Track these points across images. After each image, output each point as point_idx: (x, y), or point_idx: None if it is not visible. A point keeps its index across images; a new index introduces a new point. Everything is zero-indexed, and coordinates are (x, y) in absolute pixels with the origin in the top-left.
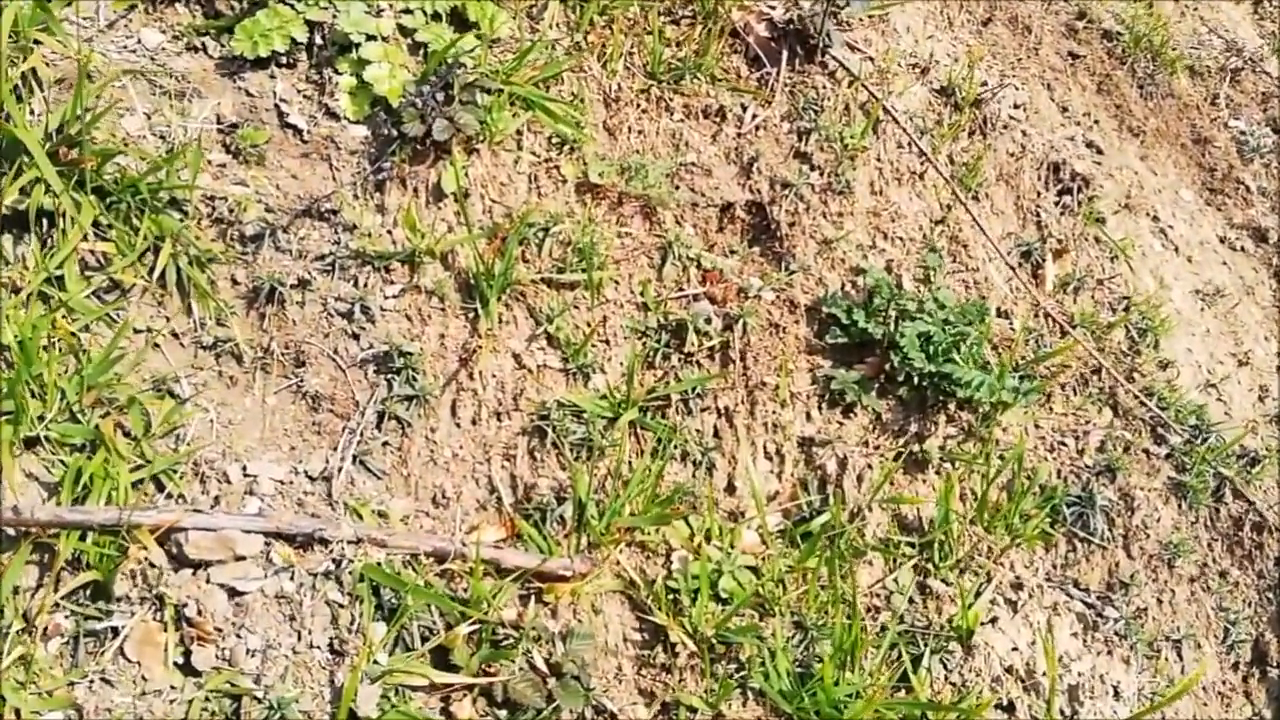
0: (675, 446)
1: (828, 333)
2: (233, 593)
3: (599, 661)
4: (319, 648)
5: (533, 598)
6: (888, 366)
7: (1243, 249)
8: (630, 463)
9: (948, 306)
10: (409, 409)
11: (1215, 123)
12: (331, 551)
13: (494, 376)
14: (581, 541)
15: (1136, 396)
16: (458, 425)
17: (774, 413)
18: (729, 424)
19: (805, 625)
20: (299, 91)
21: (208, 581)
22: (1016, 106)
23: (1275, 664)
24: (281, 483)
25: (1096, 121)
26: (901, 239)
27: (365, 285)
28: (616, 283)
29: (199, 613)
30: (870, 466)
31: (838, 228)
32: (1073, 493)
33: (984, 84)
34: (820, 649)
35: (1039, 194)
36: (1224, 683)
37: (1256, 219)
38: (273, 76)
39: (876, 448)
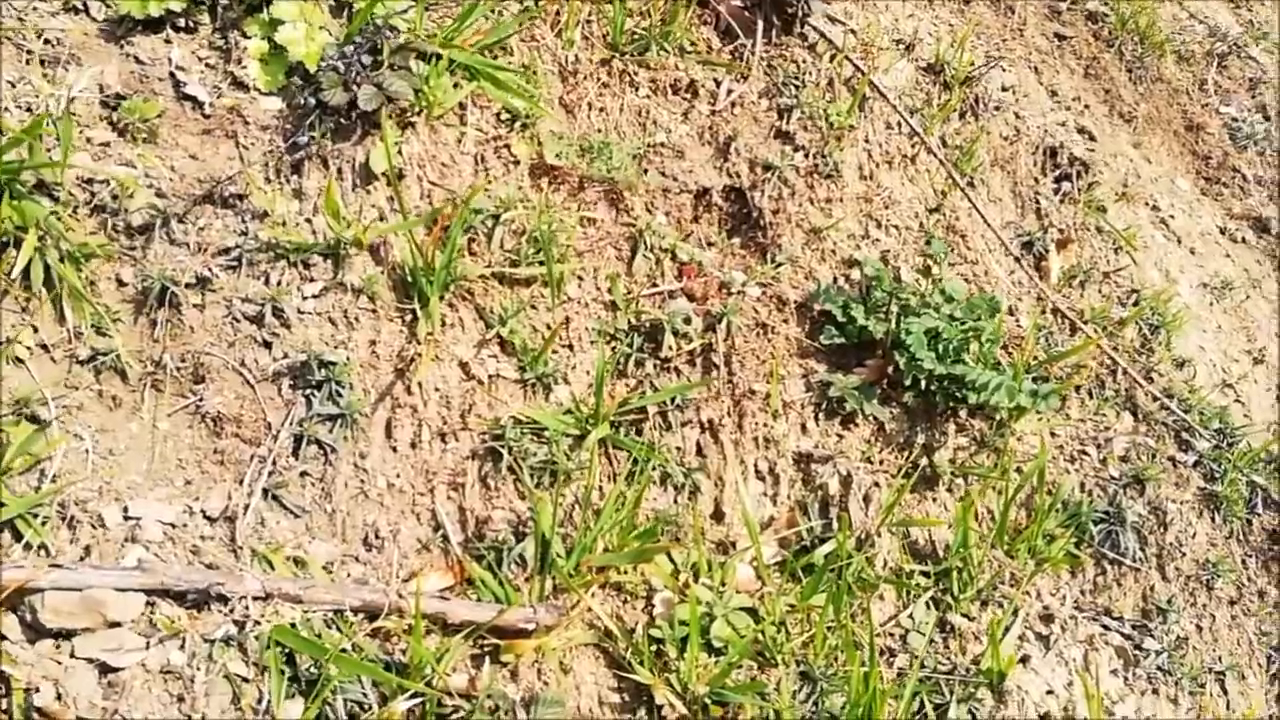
0: (653, 467)
1: (822, 332)
2: (104, 669)
3: None
4: None
5: (487, 658)
6: (891, 370)
7: (1244, 240)
8: (601, 489)
9: (955, 300)
10: (333, 431)
11: (1206, 109)
12: (233, 611)
13: (437, 390)
14: (546, 586)
15: (1157, 398)
16: (393, 449)
17: (765, 425)
18: (714, 439)
19: (813, 676)
20: (199, 58)
21: (71, 656)
22: (1005, 89)
23: None
24: (172, 526)
25: (1087, 106)
26: (897, 228)
27: (279, 283)
28: (580, 278)
29: (57, 698)
30: (877, 485)
31: (826, 215)
32: (1099, 508)
33: (972, 64)
34: (832, 704)
35: (1036, 180)
36: (1271, 717)
37: (1255, 209)
38: (168, 41)
39: (882, 463)
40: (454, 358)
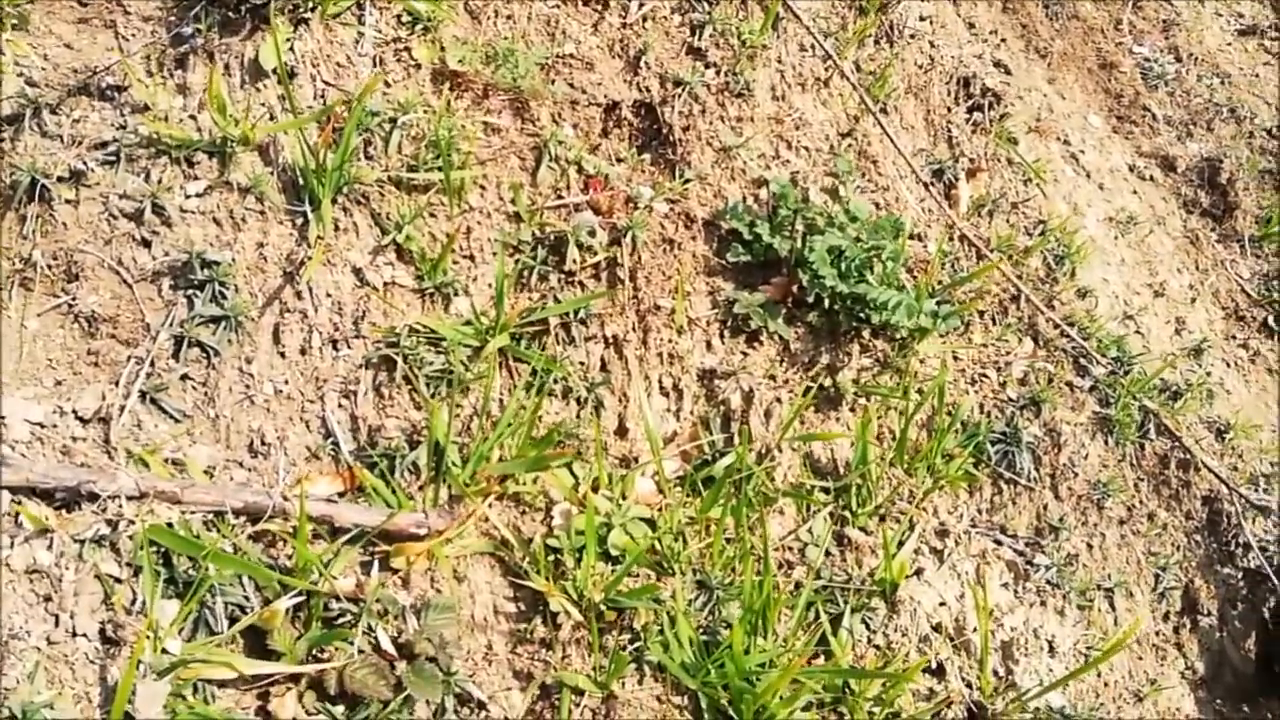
0: (555, 380)
1: (729, 250)
2: None
3: (463, 639)
4: (85, 635)
5: (377, 564)
6: (795, 288)
7: (1151, 178)
8: (501, 400)
9: (860, 220)
10: (217, 334)
11: (1120, 48)
12: (105, 510)
13: (329, 295)
14: (441, 494)
15: (1057, 325)
16: (282, 355)
17: (670, 341)
18: (618, 354)
19: (710, 585)
20: None
21: None
22: (923, 19)
23: (1206, 612)
24: (40, 425)
25: (1003, 40)
26: (807, 149)
27: (159, 181)
28: (482, 187)
29: None
30: (779, 401)
31: (737, 134)
32: (996, 429)
33: None
34: (728, 612)
35: (949, 110)
36: (1157, 634)
37: (1164, 148)
38: None
39: (785, 381)
40: (347, 263)
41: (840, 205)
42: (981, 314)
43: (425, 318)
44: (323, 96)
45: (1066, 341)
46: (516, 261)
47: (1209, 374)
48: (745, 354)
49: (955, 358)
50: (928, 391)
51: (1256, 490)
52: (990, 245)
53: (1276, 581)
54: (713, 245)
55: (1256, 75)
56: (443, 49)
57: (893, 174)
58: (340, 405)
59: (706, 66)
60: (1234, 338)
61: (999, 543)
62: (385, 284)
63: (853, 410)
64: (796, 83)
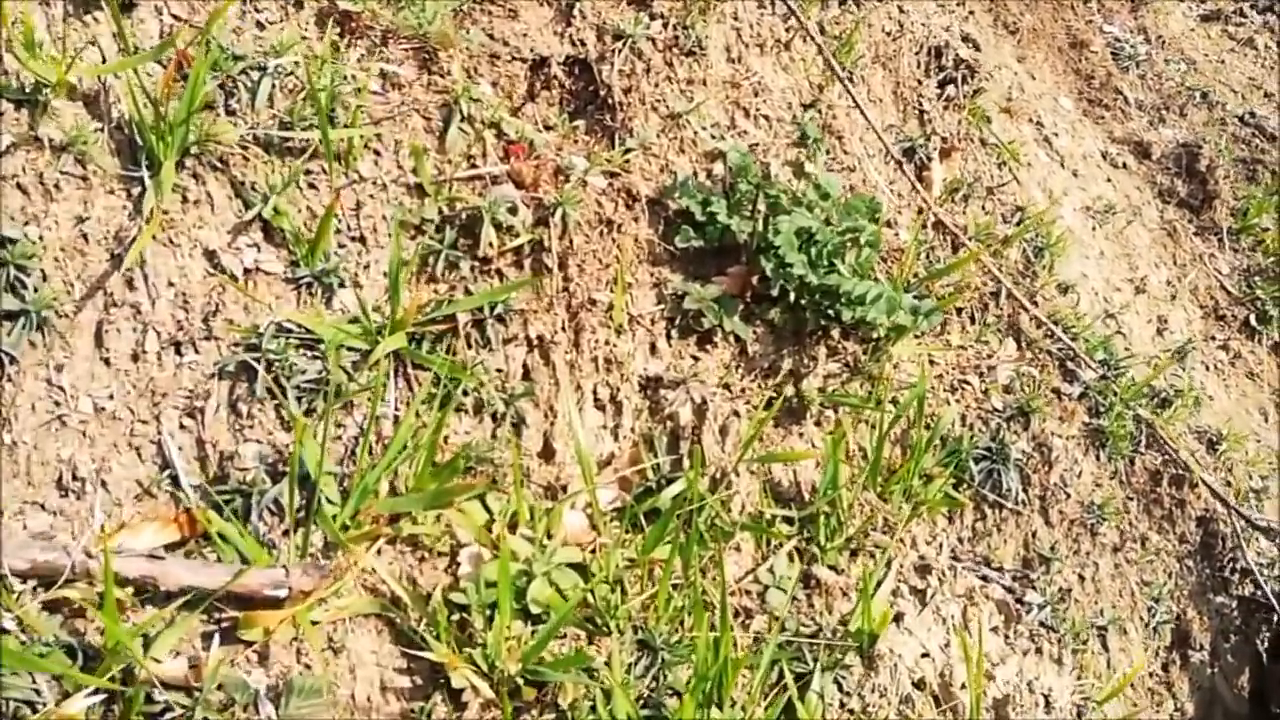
0: (464, 392)
1: (678, 233)
2: None
3: None
4: None
5: (219, 637)
6: (756, 280)
7: (1125, 165)
8: (395, 416)
9: (831, 197)
10: (13, 334)
11: (1090, 26)
12: None
13: (171, 285)
14: (312, 540)
15: (1041, 324)
16: (106, 362)
17: (607, 344)
18: (544, 359)
19: (653, 645)
20: None
21: None
22: None
23: (1198, 646)
24: None
25: (972, 12)
26: (767, 119)
27: None
28: (376, 152)
29: None
30: (736, 414)
31: (687, 99)
32: (980, 444)
33: None
34: (675, 677)
35: (920, 83)
36: (1150, 675)
37: (1137, 133)
38: None
39: (743, 390)
40: (197, 244)
41: (808, 182)
42: (959, 311)
43: (299, 314)
44: (169, 33)
45: (1052, 342)
46: (418, 244)
47: (1194, 379)
48: (696, 358)
49: (932, 361)
50: (904, 403)
51: (1249, 507)
52: (967, 233)
53: (1279, 606)
54: (658, 228)
55: (1222, 62)
56: None
57: (860, 152)
58: (182, 426)
59: (652, 18)
60: (1213, 338)
61: (985, 579)
62: (247, 270)
63: (819, 424)
64: (754, 43)
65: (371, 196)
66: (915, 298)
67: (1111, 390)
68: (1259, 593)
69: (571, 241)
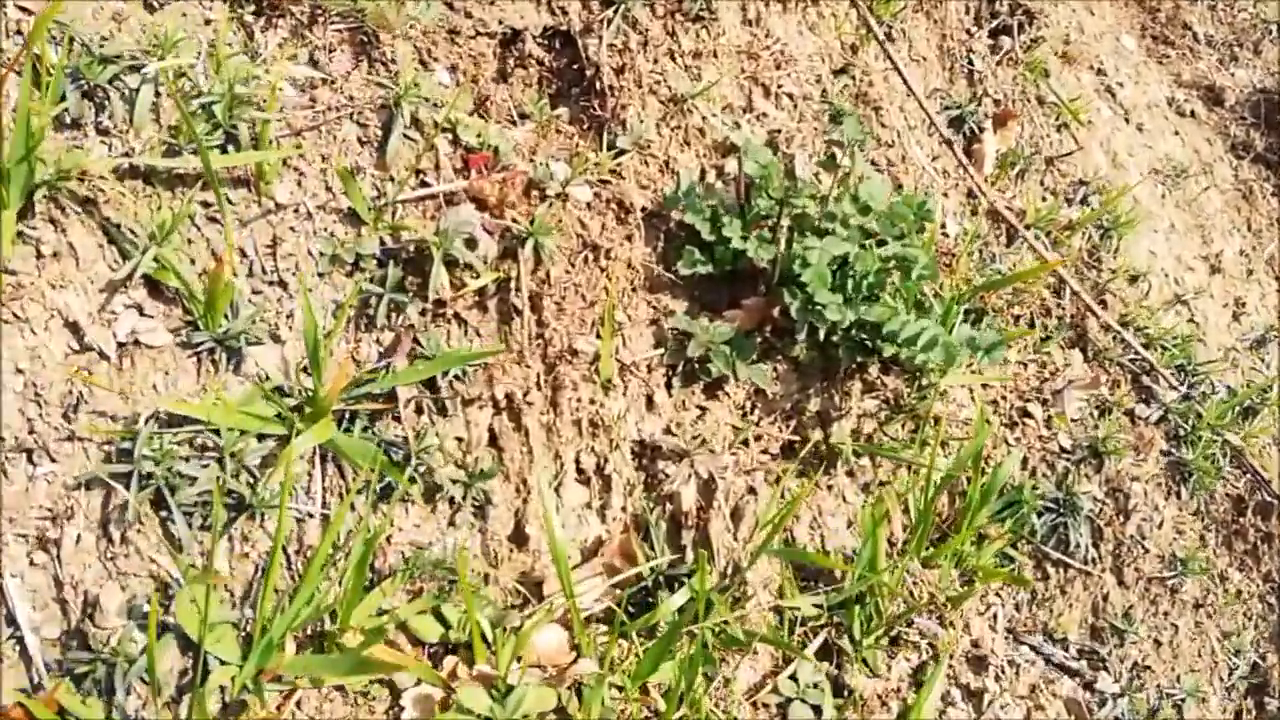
0: (413, 478)
1: (681, 257)
2: None
3: None
4: None
5: None
6: (777, 311)
7: (1193, 114)
8: (324, 515)
9: (874, 208)
10: None
11: None
12: None
13: (20, 372)
14: (205, 713)
15: (1109, 329)
16: None
17: (592, 402)
18: (515, 423)
19: None
20: None
21: None
22: None
23: (1276, 694)
24: None
25: None
26: (791, 97)
27: None
28: (299, 172)
29: None
30: (752, 490)
31: (693, 76)
32: (1044, 492)
33: None
34: None
35: (969, 34)
36: None
37: (1206, 75)
38: None
39: (759, 438)
40: (55, 313)
41: (843, 187)
42: (1017, 318)
43: (187, 404)
44: (19, 28)
45: (1123, 350)
46: (354, 286)
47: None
48: (703, 409)
49: (985, 386)
50: (957, 461)
51: None
52: (1025, 219)
53: None
54: (656, 245)
55: None
56: None
57: (899, 125)
58: (33, 563)
59: None
60: None
61: (1049, 659)
62: (123, 345)
63: (851, 474)
64: None
65: (292, 229)
66: (971, 321)
67: (1194, 412)
68: None
69: (548, 274)
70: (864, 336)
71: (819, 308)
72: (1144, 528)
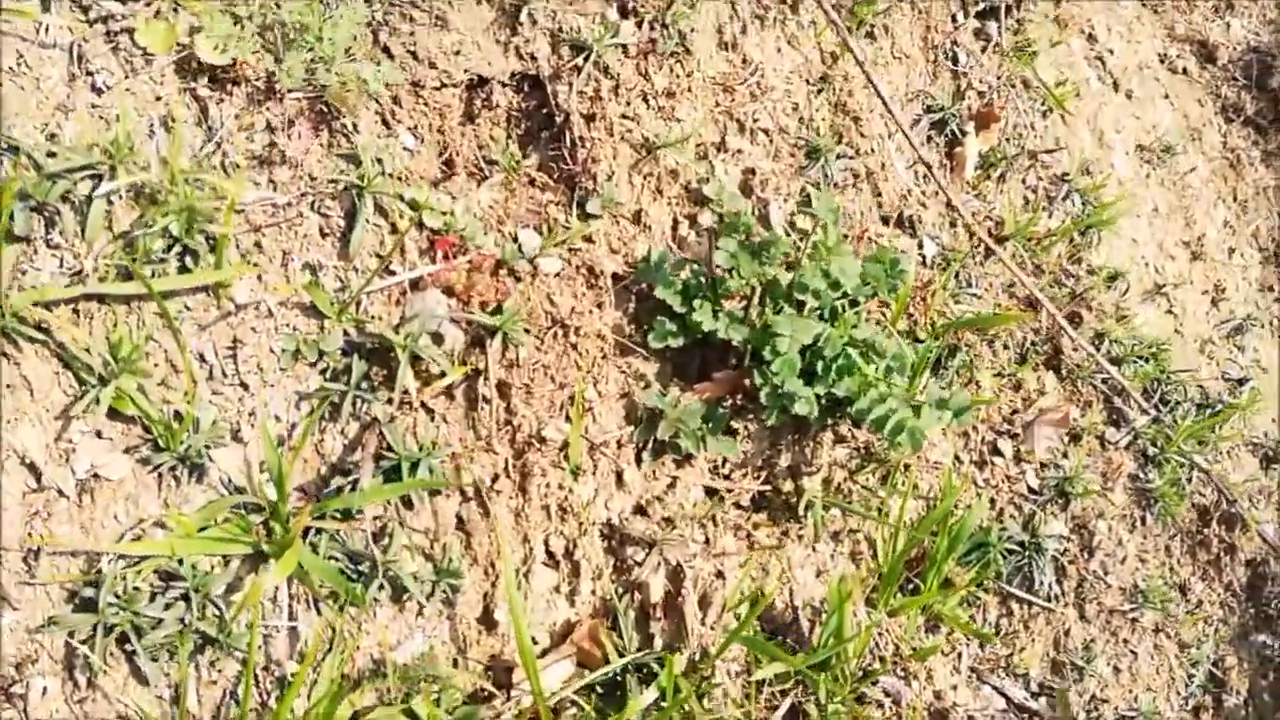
0: (382, 573)
1: (653, 330)
2: None
3: None
4: None
5: None
6: (748, 382)
7: (1185, 71)
8: (292, 628)
9: (844, 284)
10: None
11: None
12: None
13: None
14: None
15: (1083, 349)
16: None
17: (561, 487)
18: (482, 509)
19: None
20: None
21: None
22: None
23: (1234, 691)
24: None
25: None
26: (767, 131)
27: None
28: (259, 267)
29: None
30: (720, 575)
31: (667, 119)
32: (1014, 534)
33: None
34: None
35: (954, 21)
36: None
37: (1200, 28)
38: None
39: (730, 491)
40: (10, 453)
41: (820, 245)
42: (990, 342)
43: (152, 533)
44: None
45: (1095, 370)
46: (318, 394)
47: (1256, 359)
48: (674, 479)
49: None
50: (927, 520)
51: None
52: (1004, 231)
53: None
54: (628, 308)
55: None
56: (193, 29)
57: (879, 132)
58: None
59: (624, 15)
60: (1271, 289)
61: (1010, 700)
62: (84, 480)
63: (820, 523)
64: (754, 17)
65: (253, 329)
66: (944, 355)
67: (1164, 434)
68: None
69: (517, 356)
70: (835, 404)
71: (788, 395)
72: (1107, 563)
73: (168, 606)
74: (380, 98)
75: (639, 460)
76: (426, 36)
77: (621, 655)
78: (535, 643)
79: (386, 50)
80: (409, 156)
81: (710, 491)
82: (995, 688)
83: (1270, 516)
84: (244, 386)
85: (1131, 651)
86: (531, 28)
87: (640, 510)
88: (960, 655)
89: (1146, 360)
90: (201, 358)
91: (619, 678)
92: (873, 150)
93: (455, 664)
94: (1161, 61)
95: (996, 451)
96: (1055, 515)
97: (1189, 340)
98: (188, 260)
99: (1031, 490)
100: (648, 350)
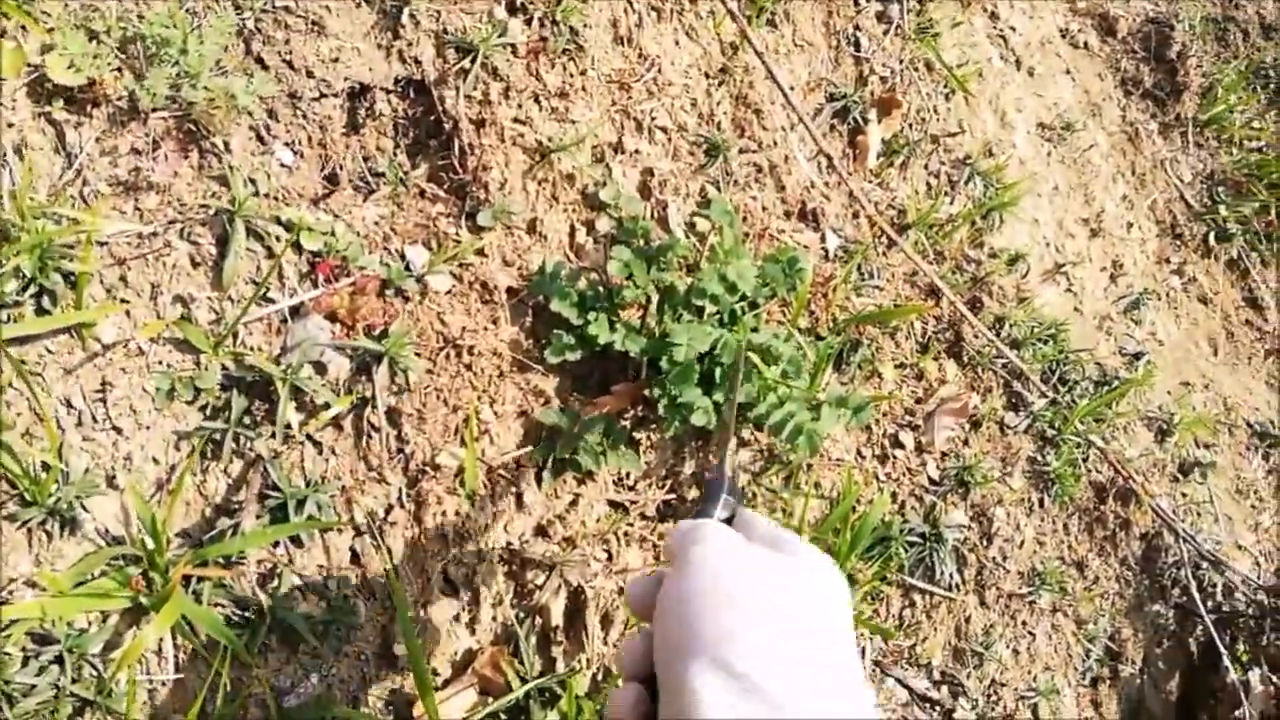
0: (271, 618)
1: (550, 346)
2: None
3: None
4: None
5: None
6: (649, 391)
7: (1086, 45)
8: (177, 681)
9: (742, 287)
10: None
11: None
12: None
13: None
14: None
15: (984, 335)
16: None
17: (457, 514)
18: (376, 543)
19: None
20: None
21: None
22: None
23: (1129, 660)
24: None
25: None
26: (665, 130)
27: None
28: (126, 303)
29: None
30: (623, 592)
31: (562, 121)
32: (915, 526)
33: None
34: None
35: (857, 5)
36: (1076, 702)
37: (1102, 1)
38: None
39: (634, 503)
40: None
41: (718, 248)
42: (894, 332)
43: (21, 594)
44: None
45: (995, 355)
46: (195, 435)
47: (1152, 333)
48: (576, 496)
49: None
50: (830, 520)
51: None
52: (906, 220)
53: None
54: (524, 324)
55: None
56: (44, 47)
57: (781, 124)
58: None
59: (512, 12)
60: (1168, 261)
61: (912, 691)
62: None
63: None
64: (649, 8)
65: (123, 370)
66: (845, 350)
67: (1061, 416)
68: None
69: (408, 380)
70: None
71: (685, 406)
72: (1005, 548)
73: (40, 671)
74: (253, 112)
75: (539, 480)
76: (303, 44)
77: (524, 681)
78: (436, 674)
79: (260, 60)
80: (287, 174)
81: (615, 505)
82: (898, 680)
83: (1164, 489)
84: (117, 430)
85: (1030, 633)
86: (414, 30)
87: (541, 531)
88: (864, 650)
89: (1046, 342)
90: (69, 403)
91: (522, 704)
92: (775, 144)
93: (354, 703)
94: (1063, 36)
95: (898, 444)
96: (955, 505)
97: (1088, 318)
98: (44, 301)
99: (933, 481)
100: (546, 366)
